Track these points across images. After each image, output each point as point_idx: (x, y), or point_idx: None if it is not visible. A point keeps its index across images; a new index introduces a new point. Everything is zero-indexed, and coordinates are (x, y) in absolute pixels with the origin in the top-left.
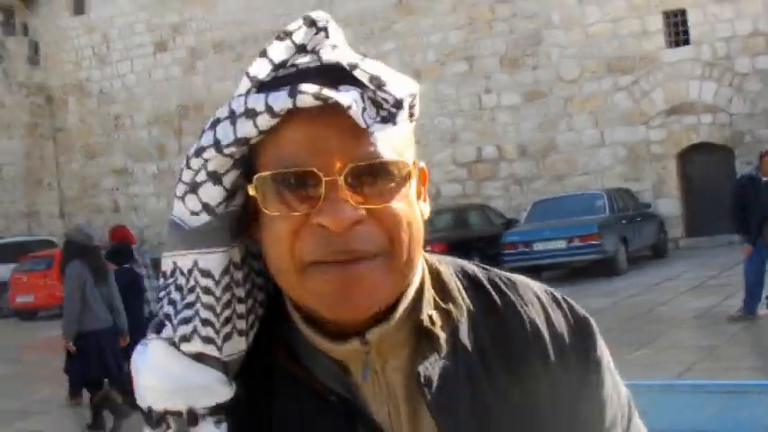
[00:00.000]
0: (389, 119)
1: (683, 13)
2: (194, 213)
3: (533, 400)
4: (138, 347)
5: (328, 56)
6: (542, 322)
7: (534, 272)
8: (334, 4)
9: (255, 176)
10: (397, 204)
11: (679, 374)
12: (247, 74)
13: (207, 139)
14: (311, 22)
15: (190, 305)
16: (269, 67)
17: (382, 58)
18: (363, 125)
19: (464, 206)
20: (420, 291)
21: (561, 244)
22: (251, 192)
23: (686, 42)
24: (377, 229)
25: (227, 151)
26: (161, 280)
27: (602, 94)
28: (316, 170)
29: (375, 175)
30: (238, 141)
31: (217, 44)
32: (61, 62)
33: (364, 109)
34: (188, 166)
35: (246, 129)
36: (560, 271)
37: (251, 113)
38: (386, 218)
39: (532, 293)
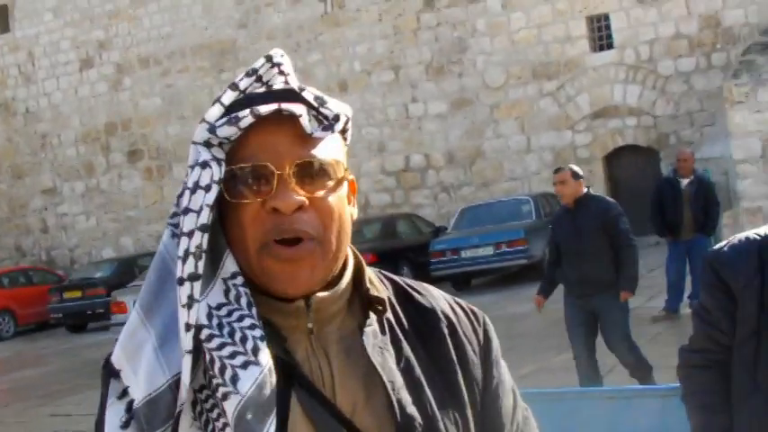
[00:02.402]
0: (329, 128)
1: (606, 17)
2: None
3: (446, 365)
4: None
5: (279, 86)
6: (449, 312)
7: (463, 279)
8: (259, 17)
9: (224, 170)
10: (331, 198)
11: (601, 376)
12: (219, 100)
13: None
14: (269, 58)
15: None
16: (234, 95)
17: (309, 70)
18: (309, 131)
19: (392, 215)
20: (359, 271)
21: (489, 250)
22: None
23: (610, 47)
24: (315, 216)
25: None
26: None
27: (527, 99)
28: (269, 164)
29: (315, 174)
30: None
31: (143, 59)
32: None
33: (309, 120)
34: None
35: (228, 131)
36: (489, 277)
37: (234, 120)
38: (322, 207)
39: (436, 292)
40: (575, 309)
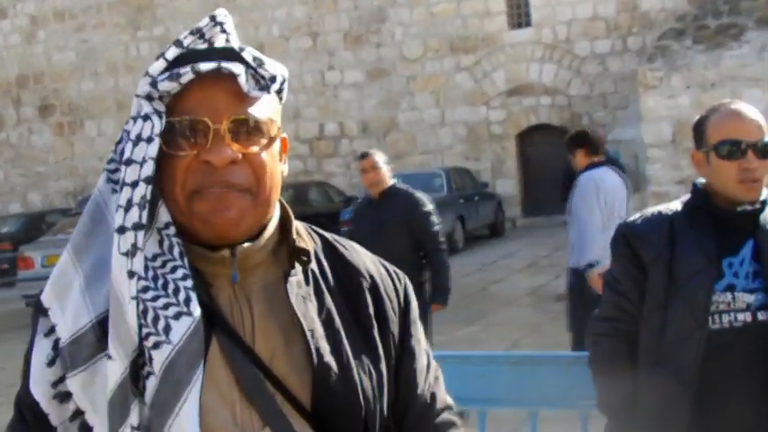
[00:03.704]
0: (265, 88)
1: None
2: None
3: (363, 319)
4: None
5: (220, 44)
6: (372, 270)
7: None
8: None
9: (163, 122)
10: (264, 155)
11: (504, 350)
12: (163, 56)
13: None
14: (213, 18)
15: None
16: (178, 51)
17: None
18: (246, 90)
19: (304, 183)
20: (286, 223)
21: None
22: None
23: (528, 24)
24: (247, 170)
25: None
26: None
27: (444, 73)
28: (206, 119)
29: (250, 131)
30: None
31: (58, 13)
32: None
33: (247, 80)
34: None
35: (169, 85)
36: None
37: (175, 76)
38: (255, 163)
39: (362, 250)
40: None
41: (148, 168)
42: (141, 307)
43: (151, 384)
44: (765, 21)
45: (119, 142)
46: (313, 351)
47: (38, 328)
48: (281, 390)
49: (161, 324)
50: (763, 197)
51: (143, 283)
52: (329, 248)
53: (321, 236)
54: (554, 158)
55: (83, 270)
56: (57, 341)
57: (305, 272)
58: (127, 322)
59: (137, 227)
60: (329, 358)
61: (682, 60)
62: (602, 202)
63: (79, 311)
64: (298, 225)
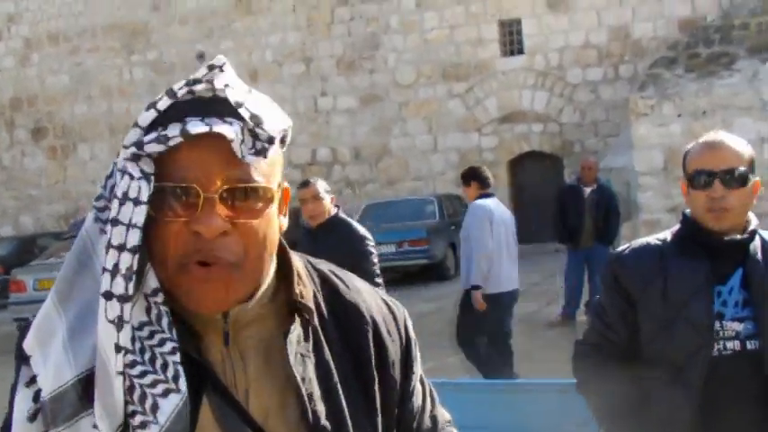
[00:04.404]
0: (262, 152)
1: (518, 22)
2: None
3: (364, 371)
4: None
5: (219, 86)
6: (373, 310)
7: None
8: (172, 1)
9: (153, 185)
10: (257, 222)
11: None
12: (155, 106)
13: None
14: (211, 66)
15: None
16: (170, 102)
17: None
18: (239, 156)
19: (296, 208)
20: (287, 271)
21: (391, 248)
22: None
23: (520, 52)
24: (238, 240)
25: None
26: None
27: (436, 100)
28: (196, 186)
29: (245, 196)
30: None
31: (52, 36)
32: None
33: (242, 141)
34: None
35: (156, 147)
36: (390, 275)
37: (163, 139)
38: (247, 232)
39: (362, 285)
40: None
41: (134, 237)
42: (127, 383)
43: None
44: (756, 49)
45: (109, 176)
46: (309, 415)
47: (20, 376)
48: None
49: (148, 403)
50: (752, 227)
51: (130, 357)
52: (328, 289)
53: (320, 273)
54: (546, 186)
55: (66, 319)
56: (38, 392)
57: (304, 325)
58: (113, 395)
59: (123, 299)
60: (325, 422)
61: (673, 88)
62: (496, 227)
63: (61, 366)
64: (297, 267)
